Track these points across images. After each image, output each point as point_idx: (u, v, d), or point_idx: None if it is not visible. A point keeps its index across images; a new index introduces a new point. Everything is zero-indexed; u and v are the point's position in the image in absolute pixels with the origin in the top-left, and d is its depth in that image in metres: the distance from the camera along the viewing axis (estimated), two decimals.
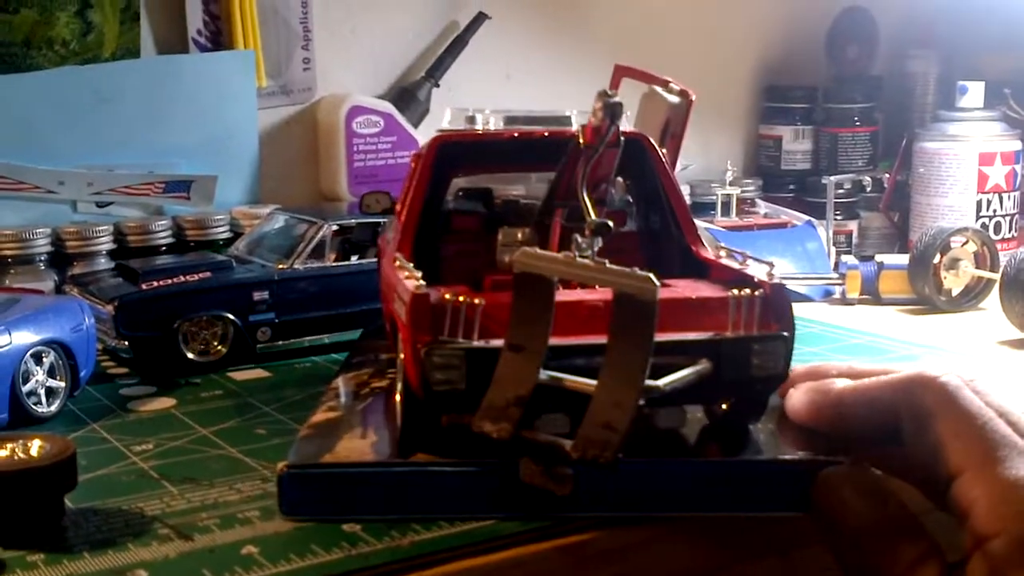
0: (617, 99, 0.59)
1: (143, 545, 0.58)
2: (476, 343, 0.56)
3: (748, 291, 0.58)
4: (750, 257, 0.65)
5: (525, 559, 0.56)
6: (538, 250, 0.53)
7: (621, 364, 0.50)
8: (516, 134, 0.73)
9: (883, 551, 0.51)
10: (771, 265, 0.61)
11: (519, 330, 0.53)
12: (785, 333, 0.58)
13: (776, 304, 0.59)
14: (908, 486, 0.58)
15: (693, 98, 0.80)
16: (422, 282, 0.59)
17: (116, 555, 0.57)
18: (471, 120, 0.73)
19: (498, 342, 0.55)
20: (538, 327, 0.52)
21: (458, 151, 0.73)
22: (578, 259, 0.53)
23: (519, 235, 0.71)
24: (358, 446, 0.62)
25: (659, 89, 0.79)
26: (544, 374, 0.53)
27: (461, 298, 0.56)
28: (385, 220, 0.90)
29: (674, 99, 0.77)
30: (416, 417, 0.61)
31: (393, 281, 0.64)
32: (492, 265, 0.70)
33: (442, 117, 1.28)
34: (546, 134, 0.73)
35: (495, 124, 0.73)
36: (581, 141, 0.62)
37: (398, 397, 0.65)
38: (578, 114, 0.74)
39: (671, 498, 0.58)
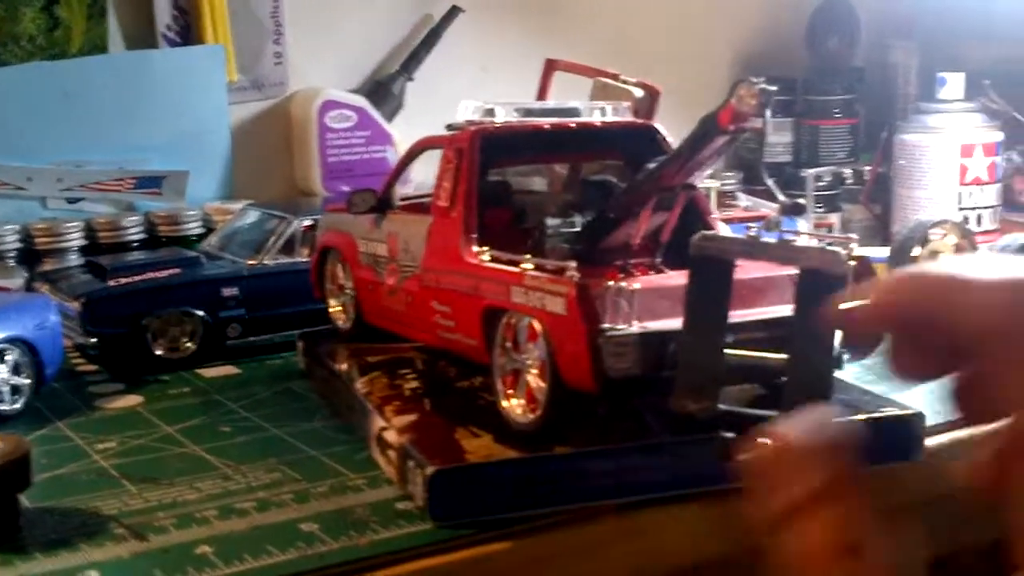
0: (772, 87, 0.59)
1: (97, 545, 0.57)
2: (635, 327, 0.58)
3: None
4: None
5: (481, 558, 0.56)
6: (717, 233, 0.55)
7: (814, 335, 0.52)
8: (548, 126, 0.74)
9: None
10: (849, 240, 0.63)
11: (700, 311, 0.54)
12: None
13: (868, 274, 0.61)
14: None
15: (660, 90, 0.79)
16: (576, 273, 0.59)
17: (69, 556, 0.56)
18: (490, 113, 0.72)
19: (662, 324, 0.57)
20: (718, 307, 0.54)
21: (495, 144, 0.73)
22: (762, 239, 0.54)
23: (566, 225, 0.72)
24: (486, 444, 0.63)
25: (612, 81, 0.78)
26: (730, 351, 0.55)
27: (623, 284, 0.58)
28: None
29: (638, 91, 0.77)
30: (564, 407, 0.61)
31: (507, 277, 0.64)
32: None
33: (418, 111, 1.28)
34: (573, 126, 0.74)
35: (508, 117, 0.73)
36: (719, 124, 0.62)
37: (512, 399, 0.64)
38: (583, 106, 0.75)
39: None
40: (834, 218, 1.41)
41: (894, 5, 1.60)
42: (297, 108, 1.26)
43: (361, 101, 1.27)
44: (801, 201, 0.62)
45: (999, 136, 1.29)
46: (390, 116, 1.29)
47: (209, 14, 1.17)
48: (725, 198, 1.34)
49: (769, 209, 1.30)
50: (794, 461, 0.30)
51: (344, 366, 0.80)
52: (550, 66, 0.94)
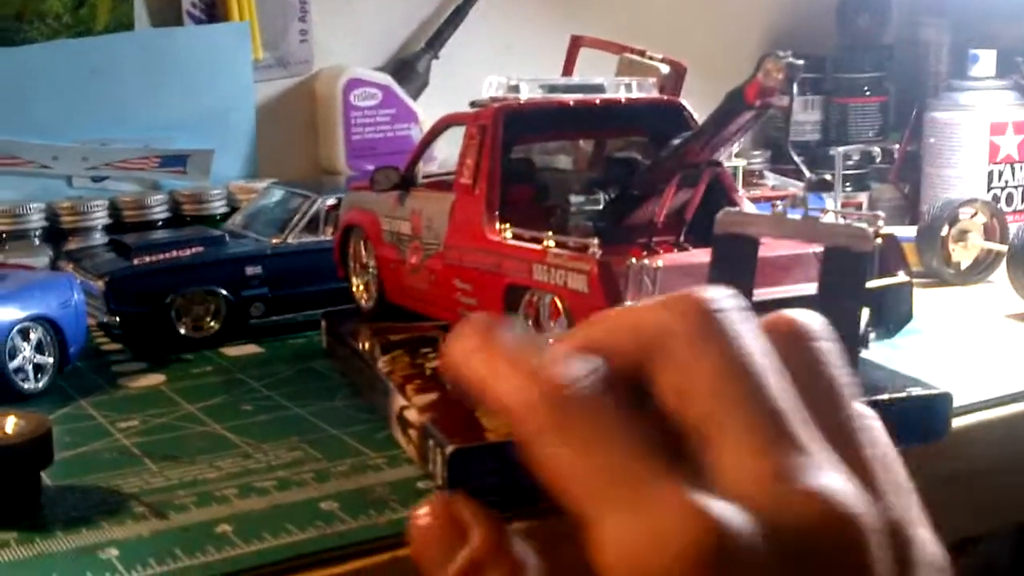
0: (799, 60, 0.58)
1: (117, 523, 0.57)
2: None
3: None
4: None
5: None
6: (742, 210, 0.54)
7: (839, 313, 0.51)
8: (572, 102, 0.73)
9: None
10: (876, 217, 0.62)
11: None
12: (910, 278, 0.63)
13: (896, 252, 0.62)
14: None
15: (686, 66, 0.78)
16: (598, 250, 0.59)
17: (89, 533, 0.56)
18: (514, 89, 0.72)
19: None
20: (742, 283, 0.53)
21: (519, 120, 0.72)
22: (788, 216, 0.54)
23: (590, 202, 0.72)
24: (506, 423, 0.62)
25: (638, 58, 0.78)
26: None
27: (646, 262, 0.57)
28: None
29: (664, 68, 0.76)
30: None
31: (530, 254, 0.64)
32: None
33: (443, 89, 1.27)
34: (598, 102, 0.73)
35: (532, 93, 0.73)
36: (745, 99, 0.61)
37: None
38: (609, 82, 0.74)
39: None
40: (862, 197, 1.40)
41: None
42: (322, 86, 1.26)
43: (386, 79, 1.26)
44: (828, 177, 0.61)
45: None
46: (415, 94, 1.28)
47: None
48: (752, 177, 1.33)
49: (796, 187, 1.29)
50: (452, 532, 0.29)
51: (366, 345, 0.79)
52: (576, 42, 0.93)
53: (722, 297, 0.28)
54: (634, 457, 0.25)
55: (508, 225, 0.68)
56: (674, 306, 0.28)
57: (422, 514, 0.30)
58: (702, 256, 0.61)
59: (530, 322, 0.65)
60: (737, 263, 0.54)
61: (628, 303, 0.58)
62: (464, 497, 0.30)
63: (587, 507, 0.26)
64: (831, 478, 0.26)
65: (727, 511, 0.24)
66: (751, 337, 0.27)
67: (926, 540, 0.28)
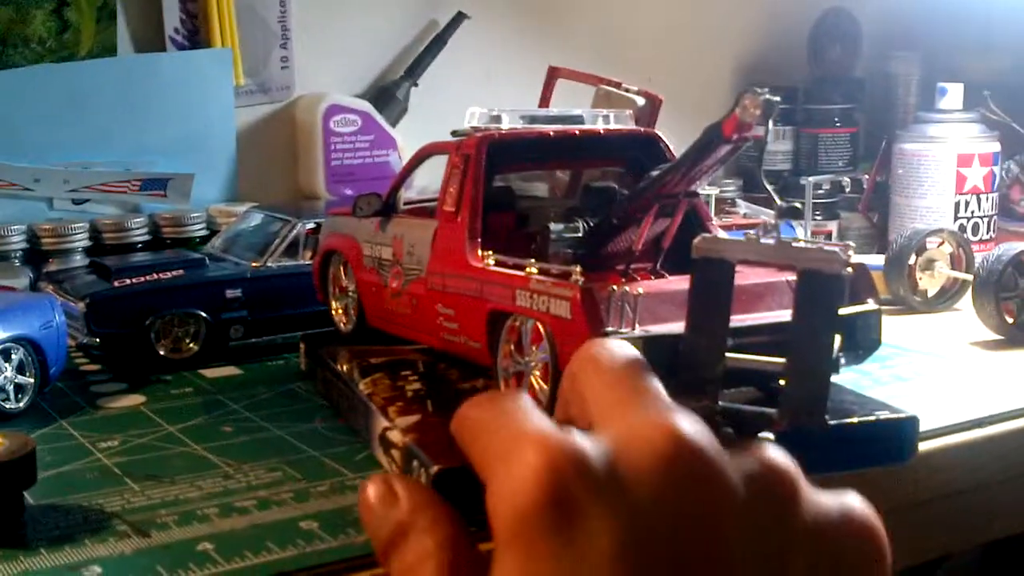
0: (776, 97, 0.60)
1: (100, 541, 0.58)
2: (638, 331, 0.59)
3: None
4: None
5: None
6: (718, 235, 0.55)
7: (811, 338, 0.52)
8: (552, 133, 0.74)
9: None
10: (847, 246, 0.64)
11: (702, 311, 0.55)
12: (879, 306, 0.64)
13: (865, 280, 0.63)
14: None
15: (662, 99, 0.80)
16: (580, 277, 0.60)
17: (72, 551, 0.57)
18: (496, 119, 0.73)
19: (664, 328, 0.58)
20: (719, 309, 0.54)
21: (501, 150, 0.74)
22: (762, 240, 0.55)
23: (570, 230, 0.73)
24: None
25: (614, 89, 0.79)
26: (730, 355, 0.55)
27: (627, 289, 0.59)
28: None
29: (640, 100, 0.78)
30: None
31: (513, 280, 0.65)
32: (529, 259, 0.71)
33: (422, 116, 1.29)
34: (577, 133, 0.75)
35: (514, 124, 0.74)
36: (723, 134, 0.62)
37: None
38: (587, 113, 0.76)
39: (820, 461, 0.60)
40: (832, 226, 1.43)
41: (896, 16, 1.61)
42: (302, 112, 1.27)
43: (365, 106, 1.28)
44: (798, 205, 0.63)
45: (996, 146, 1.30)
46: (394, 121, 1.30)
47: (217, 18, 1.18)
48: (724, 204, 1.35)
49: (767, 215, 1.32)
50: (389, 500, 0.35)
51: (346, 367, 0.80)
52: (553, 73, 0.95)
53: (600, 341, 0.38)
54: (522, 427, 0.32)
55: (491, 252, 0.69)
56: (577, 355, 0.37)
57: (367, 487, 0.36)
58: (679, 283, 0.63)
59: (512, 346, 0.66)
60: (714, 288, 0.55)
61: (609, 328, 0.59)
62: (400, 475, 0.37)
63: (483, 469, 0.33)
64: (681, 416, 0.32)
65: (576, 436, 0.31)
66: (627, 354, 0.37)
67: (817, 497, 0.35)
